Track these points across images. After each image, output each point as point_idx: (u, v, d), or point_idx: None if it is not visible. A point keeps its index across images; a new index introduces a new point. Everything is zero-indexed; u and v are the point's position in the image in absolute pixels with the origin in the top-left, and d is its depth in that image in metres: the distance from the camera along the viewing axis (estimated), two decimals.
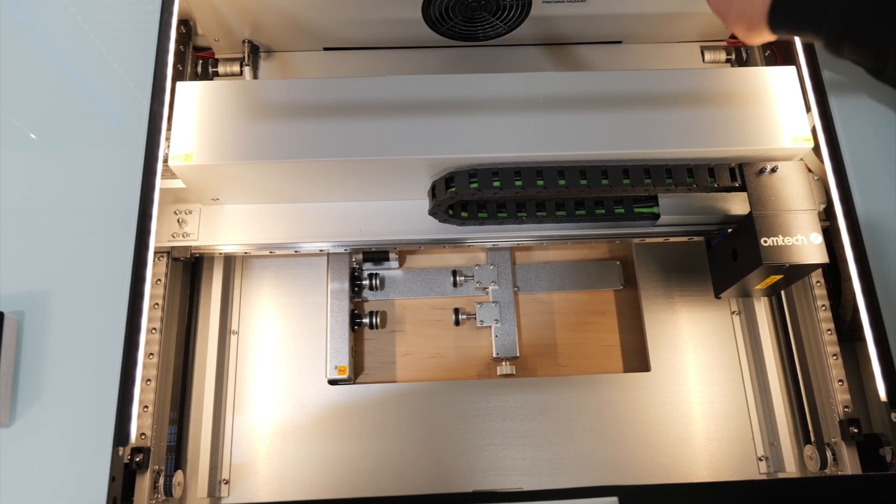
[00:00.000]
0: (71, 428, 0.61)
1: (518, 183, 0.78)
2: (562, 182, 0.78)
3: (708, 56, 1.00)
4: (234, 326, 0.92)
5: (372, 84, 0.81)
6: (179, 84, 0.80)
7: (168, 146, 0.76)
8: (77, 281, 0.66)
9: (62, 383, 0.63)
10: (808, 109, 0.79)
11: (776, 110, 0.79)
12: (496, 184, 0.78)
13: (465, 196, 0.78)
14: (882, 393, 0.67)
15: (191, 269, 0.92)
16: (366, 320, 0.93)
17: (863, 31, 0.63)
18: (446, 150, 0.77)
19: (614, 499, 0.61)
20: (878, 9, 0.62)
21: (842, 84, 0.76)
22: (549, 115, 0.79)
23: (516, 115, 0.79)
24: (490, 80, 0.81)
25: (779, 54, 0.95)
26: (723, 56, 1.00)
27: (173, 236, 0.85)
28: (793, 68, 0.81)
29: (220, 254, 0.89)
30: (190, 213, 0.86)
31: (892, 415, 0.67)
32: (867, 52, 0.65)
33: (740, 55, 1.00)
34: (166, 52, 0.76)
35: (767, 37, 0.68)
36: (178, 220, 0.85)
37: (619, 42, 1.01)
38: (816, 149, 0.78)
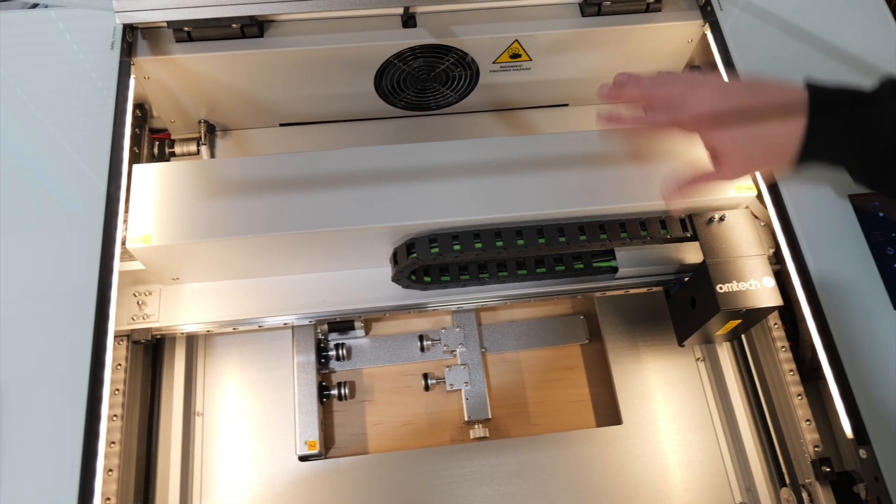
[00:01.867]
0: None
1: (478, 245, 0.79)
2: (520, 242, 0.79)
3: None
4: (198, 408, 0.90)
5: (328, 157, 0.82)
6: (136, 167, 0.80)
7: (126, 228, 0.76)
8: (32, 370, 0.65)
9: (17, 479, 0.61)
10: None
11: None
12: (456, 247, 0.79)
13: (427, 261, 0.79)
14: (848, 430, 0.68)
15: (152, 351, 0.90)
16: (334, 392, 0.92)
17: None
18: (405, 217, 0.78)
19: None
20: None
21: None
22: (503, 177, 0.81)
23: (471, 180, 0.80)
24: (443, 148, 0.83)
25: None
26: None
27: (133, 319, 0.83)
28: None
29: (182, 333, 0.87)
30: (150, 294, 0.85)
31: (860, 451, 0.68)
32: None
33: None
34: (122, 136, 0.78)
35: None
36: (138, 302, 0.84)
37: (566, 105, 1.05)
38: (760, 196, 0.82)
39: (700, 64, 1.00)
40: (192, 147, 0.99)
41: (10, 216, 0.72)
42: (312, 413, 0.88)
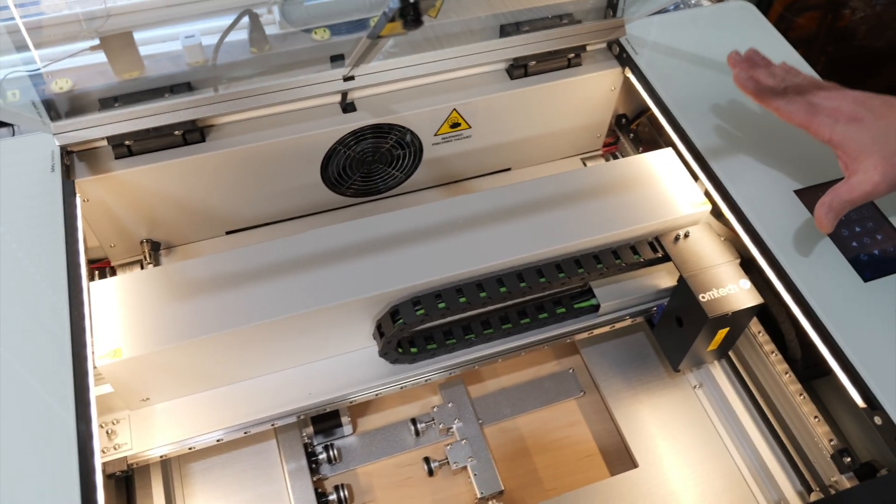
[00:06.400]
0: None
1: (462, 299, 0.85)
2: (503, 289, 0.86)
3: (590, 164, 1.17)
4: None
5: (291, 243, 0.87)
6: (93, 284, 0.83)
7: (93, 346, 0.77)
8: None
9: None
10: (696, 179, 0.94)
11: (671, 185, 0.94)
12: (442, 305, 0.84)
13: (413, 324, 0.84)
14: (858, 400, 0.76)
15: (125, 487, 0.88)
16: (332, 497, 0.91)
17: None
18: (383, 285, 0.84)
19: None
20: None
21: (716, 152, 0.92)
22: (471, 232, 0.89)
23: (441, 240, 0.88)
24: (405, 216, 0.90)
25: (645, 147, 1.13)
26: (602, 162, 1.18)
27: (104, 451, 0.82)
28: (670, 150, 0.98)
29: (161, 458, 0.86)
30: (118, 422, 0.85)
31: (875, 418, 0.75)
32: None
33: (616, 158, 1.19)
34: (77, 253, 0.81)
35: None
36: (108, 432, 0.83)
37: (508, 169, 1.17)
38: (714, 213, 0.93)
39: (626, 112, 1.15)
40: (137, 269, 1.02)
41: None
42: None
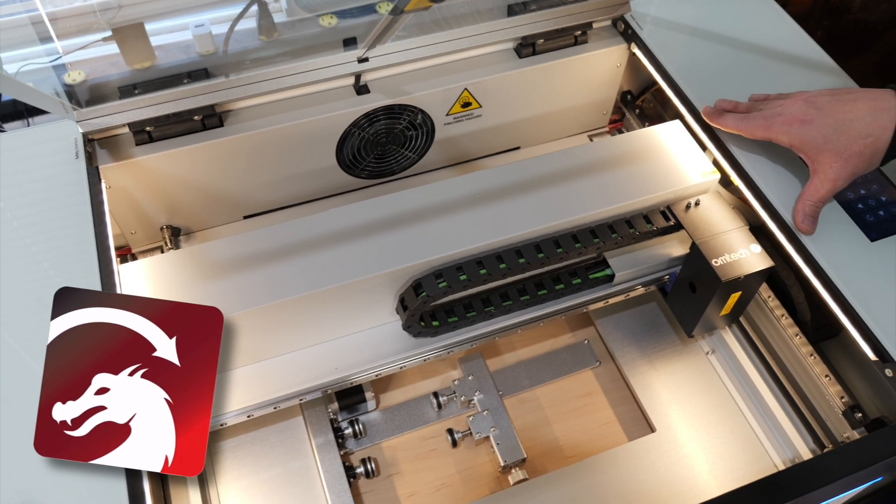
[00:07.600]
0: None
1: (483, 271, 0.88)
2: (522, 260, 0.89)
3: (596, 141, 1.21)
4: None
5: (317, 220, 0.90)
6: (122, 267, 0.85)
7: None
8: None
9: None
10: (704, 149, 0.98)
11: (680, 156, 0.97)
12: (463, 277, 0.88)
13: (436, 297, 0.87)
14: (870, 353, 0.80)
15: None
16: (360, 469, 0.95)
17: None
18: (406, 259, 0.87)
19: None
20: None
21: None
22: (490, 206, 0.92)
23: (461, 214, 0.91)
24: (428, 190, 0.93)
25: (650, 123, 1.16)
26: (610, 137, 1.21)
27: None
28: (678, 122, 1.01)
29: None
30: None
31: (886, 370, 0.79)
32: None
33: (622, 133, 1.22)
34: (106, 237, 0.84)
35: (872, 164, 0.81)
36: None
37: (518, 148, 1.20)
38: (722, 182, 0.97)
39: (631, 89, 1.19)
40: (157, 255, 1.04)
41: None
42: (345, 492, 0.91)
